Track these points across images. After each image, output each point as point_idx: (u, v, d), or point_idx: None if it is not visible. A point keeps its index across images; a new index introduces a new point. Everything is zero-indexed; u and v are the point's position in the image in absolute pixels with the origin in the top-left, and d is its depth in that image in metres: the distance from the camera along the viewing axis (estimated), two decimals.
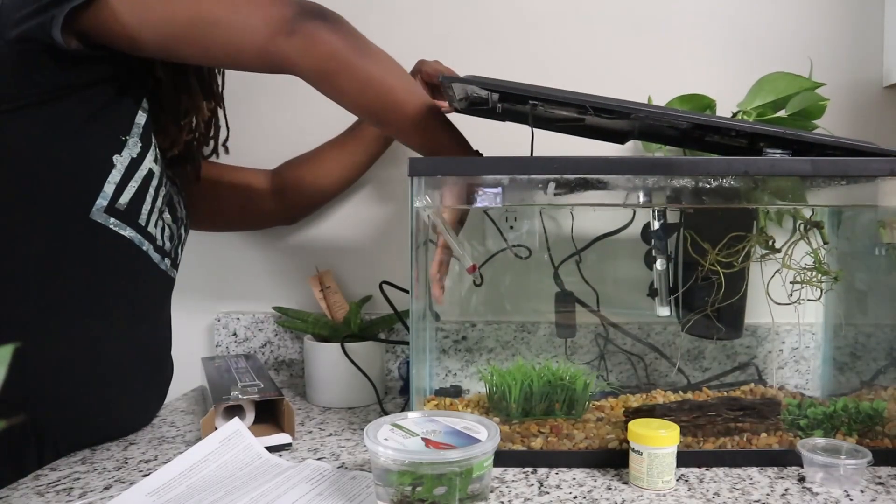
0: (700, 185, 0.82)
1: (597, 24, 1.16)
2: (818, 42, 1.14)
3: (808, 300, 0.94)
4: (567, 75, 1.16)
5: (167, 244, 0.90)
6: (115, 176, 0.79)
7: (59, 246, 0.77)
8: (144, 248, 0.85)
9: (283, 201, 1.12)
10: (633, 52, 1.16)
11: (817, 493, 0.71)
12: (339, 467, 0.77)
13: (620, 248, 1.03)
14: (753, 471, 0.77)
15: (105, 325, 0.82)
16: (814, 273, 0.91)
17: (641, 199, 0.93)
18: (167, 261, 0.90)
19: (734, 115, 1.05)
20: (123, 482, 0.73)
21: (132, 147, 0.81)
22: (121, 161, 0.80)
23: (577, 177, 0.81)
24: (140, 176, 0.82)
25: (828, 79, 1.14)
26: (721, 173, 0.79)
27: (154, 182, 0.84)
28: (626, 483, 0.73)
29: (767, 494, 0.70)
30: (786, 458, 0.77)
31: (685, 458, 0.76)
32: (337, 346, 1.03)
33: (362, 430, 0.86)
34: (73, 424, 0.81)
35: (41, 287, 0.77)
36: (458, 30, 1.17)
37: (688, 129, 0.88)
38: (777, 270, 0.92)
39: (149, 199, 0.83)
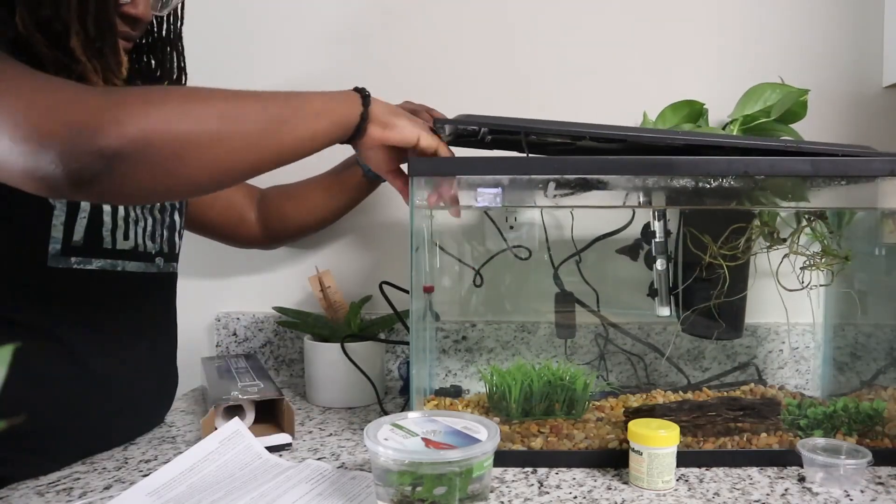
0: (700, 184, 0.82)
1: (594, 31, 1.16)
2: (818, 42, 1.14)
3: (820, 285, 0.94)
4: (563, 81, 1.16)
5: (150, 244, 0.85)
6: (59, 216, 0.74)
7: (25, 299, 0.73)
8: (119, 268, 0.81)
9: (267, 229, 1.12)
10: (629, 57, 1.16)
11: (817, 493, 0.71)
12: (339, 467, 0.77)
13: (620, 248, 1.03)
14: (753, 471, 0.77)
15: (99, 356, 0.79)
16: (822, 257, 0.91)
17: (641, 199, 0.93)
18: (158, 259, 0.87)
19: (725, 126, 1.05)
20: (123, 482, 0.73)
21: None
22: (58, 199, 0.73)
23: (577, 177, 0.81)
24: (86, 205, 0.76)
25: (828, 79, 1.14)
26: (721, 173, 0.79)
27: None
28: (626, 483, 0.73)
29: (767, 494, 0.70)
30: (786, 458, 0.77)
31: (685, 458, 0.76)
32: (337, 346, 1.03)
33: (362, 430, 0.86)
34: (73, 440, 0.79)
35: (22, 337, 0.72)
36: (455, 35, 1.17)
37: (682, 147, 0.88)
38: (785, 255, 0.92)
39: (107, 219, 0.78)
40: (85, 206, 0.76)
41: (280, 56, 1.19)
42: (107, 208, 0.79)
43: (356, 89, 0.78)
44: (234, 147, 0.66)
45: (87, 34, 0.71)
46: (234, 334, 1.21)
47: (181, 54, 0.91)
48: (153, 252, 0.86)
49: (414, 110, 0.96)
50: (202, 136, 0.63)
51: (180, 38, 0.90)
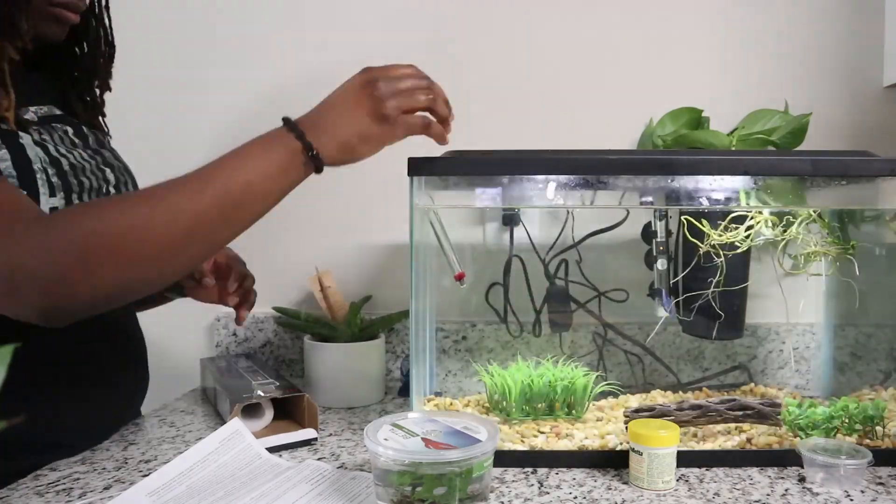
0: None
1: (600, 36, 1.16)
2: (818, 43, 1.14)
3: (819, 274, 0.95)
4: (570, 86, 1.16)
5: None
6: None
7: None
8: None
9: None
10: (632, 54, 1.16)
11: (818, 494, 0.71)
12: (339, 467, 0.77)
13: (620, 248, 1.03)
14: (753, 471, 0.76)
15: (71, 354, 0.78)
16: (825, 243, 0.91)
17: (642, 199, 0.93)
18: None
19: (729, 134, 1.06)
20: (123, 482, 0.73)
21: None
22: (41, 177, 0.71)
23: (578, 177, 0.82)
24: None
25: (828, 79, 1.15)
26: (721, 173, 0.79)
27: None
28: (626, 483, 0.73)
29: (768, 495, 0.70)
30: (786, 459, 0.77)
31: (685, 458, 0.76)
32: (337, 346, 1.03)
33: (362, 430, 0.86)
34: (47, 437, 0.77)
35: None
36: (464, 33, 1.17)
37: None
38: (785, 242, 0.93)
39: None
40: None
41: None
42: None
43: (294, 129, 0.69)
44: (174, 275, 0.68)
45: None
46: (234, 334, 1.20)
47: (108, 28, 0.88)
48: None
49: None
50: (136, 283, 0.65)
51: (108, 9, 0.87)
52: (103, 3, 0.87)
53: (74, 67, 0.88)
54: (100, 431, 0.86)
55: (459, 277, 0.92)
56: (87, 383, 0.80)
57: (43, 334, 0.72)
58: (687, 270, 0.95)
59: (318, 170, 0.71)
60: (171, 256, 0.65)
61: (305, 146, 0.69)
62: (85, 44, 0.87)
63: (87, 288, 0.62)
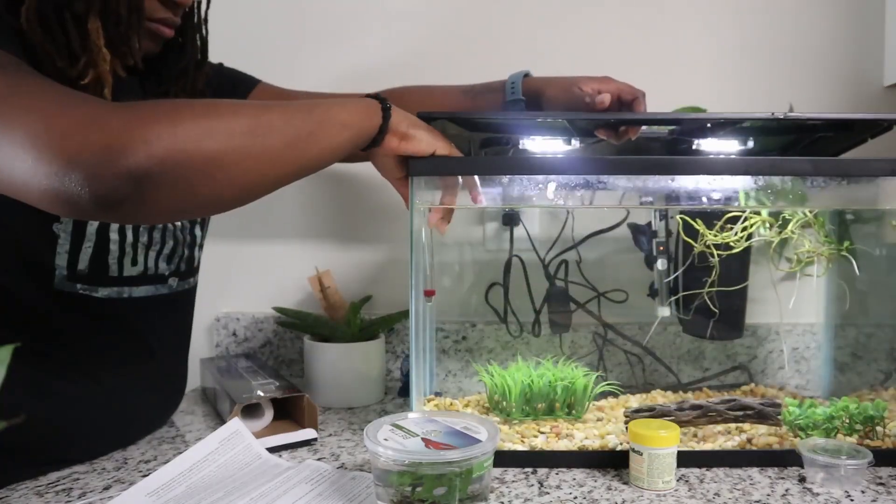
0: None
1: (600, 36, 1.16)
2: (819, 42, 1.14)
3: (812, 275, 0.96)
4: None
5: (163, 266, 0.84)
6: (63, 245, 0.73)
7: (32, 320, 0.74)
8: (126, 294, 0.79)
9: None
10: (633, 54, 1.16)
11: (818, 494, 0.70)
12: (338, 467, 0.77)
13: (621, 249, 1.03)
14: (754, 471, 0.76)
15: (105, 373, 0.79)
16: (820, 244, 0.92)
17: (643, 198, 0.93)
18: (172, 280, 0.86)
19: None
20: (123, 482, 0.73)
21: None
22: (62, 228, 0.73)
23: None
24: (92, 233, 0.75)
25: (828, 79, 1.14)
26: (721, 173, 0.79)
27: (115, 226, 0.76)
28: (626, 483, 0.73)
29: (768, 495, 0.70)
30: (786, 459, 0.77)
31: (685, 458, 0.76)
32: (337, 346, 1.03)
33: (362, 430, 0.86)
34: (72, 448, 0.78)
35: (32, 358, 0.72)
36: (463, 36, 1.17)
37: (673, 140, 0.88)
38: (778, 239, 0.93)
39: (114, 247, 0.77)
40: (90, 234, 0.75)
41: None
42: (114, 236, 0.77)
43: (377, 98, 0.76)
44: (261, 163, 0.64)
45: (113, 17, 0.72)
46: (234, 334, 1.20)
47: (205, 39, 0.88)
48: (167, 273, 0.85)
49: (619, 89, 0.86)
50: (229, 153, 0.61)
51: (206, 21, 0.88)
52: (203, 15, 0.87)
53: (164, 74, 0.86)
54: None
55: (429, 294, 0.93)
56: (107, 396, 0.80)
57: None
58: (683, 268, 0.95)
59: (383, 131, 0.74)
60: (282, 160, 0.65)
61: (381, 101, 0.75)
62: (178, 51, 0.87)
63: (145, 153, 0.55)
